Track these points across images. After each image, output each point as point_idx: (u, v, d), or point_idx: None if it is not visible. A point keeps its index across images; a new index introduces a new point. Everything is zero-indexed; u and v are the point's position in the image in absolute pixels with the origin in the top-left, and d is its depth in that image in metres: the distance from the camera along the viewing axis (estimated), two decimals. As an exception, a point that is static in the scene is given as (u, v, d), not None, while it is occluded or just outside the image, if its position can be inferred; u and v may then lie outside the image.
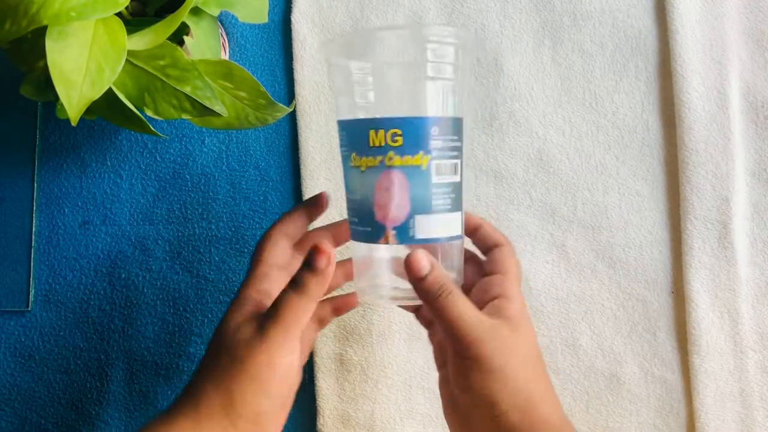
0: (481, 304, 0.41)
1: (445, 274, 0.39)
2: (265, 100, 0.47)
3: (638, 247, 0.57)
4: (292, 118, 0.59)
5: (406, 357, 0.56)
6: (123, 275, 0.58)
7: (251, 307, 0.42)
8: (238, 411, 0.39)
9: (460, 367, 0.40)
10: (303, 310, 0.40)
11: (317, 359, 0.56)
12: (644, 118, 0.59)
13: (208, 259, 0.57)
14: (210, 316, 0.57)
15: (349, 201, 0.43)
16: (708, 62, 0.58)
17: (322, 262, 0.39)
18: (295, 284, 0.40)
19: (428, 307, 0.39)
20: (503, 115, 0.58)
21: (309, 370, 0.56)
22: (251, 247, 0.57)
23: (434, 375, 0.56)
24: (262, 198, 0.58)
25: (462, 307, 0.39)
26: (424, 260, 0.39)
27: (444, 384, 0.44)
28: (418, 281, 0.39)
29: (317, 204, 0.47)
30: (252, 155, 0.59)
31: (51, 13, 0.37)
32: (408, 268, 0.39)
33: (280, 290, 0.41)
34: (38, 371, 0.57)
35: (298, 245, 0.46)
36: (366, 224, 0.41)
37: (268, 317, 0.40)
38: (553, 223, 0.57)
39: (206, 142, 0.59)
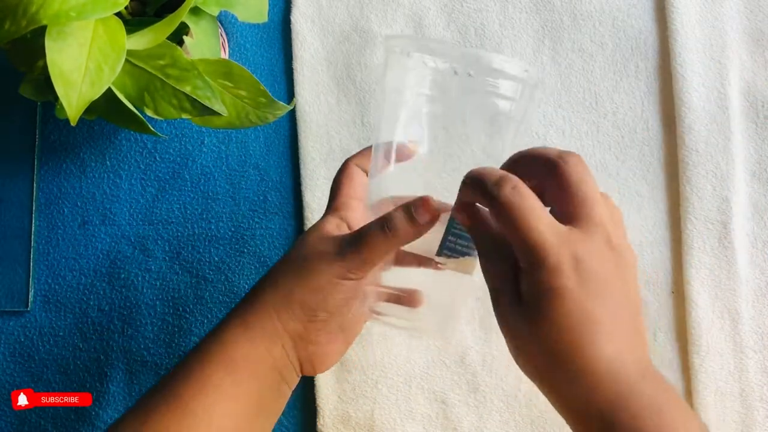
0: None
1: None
2: (266, 99, 0.47)
3: (638, 247, 0.57)
4: (292, 118, 0.59)
5: (406, 357, 0.56)
6: (122, 275, 0.57)
7: (331, 229, 0.42)
8: (294, 313, 0.40)
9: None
10: (385, 251, 0.39)
11: (317, 359, 0.56)
12: (644, 117, 0.59)
13: (207, 260, 0.57)
14: (209, 316, 0.57)
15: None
16: (708, 62, 0.58)
17: (425, 216, 0.38)
18: (387, 224, 0.39)
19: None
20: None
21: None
22: (251, 247, 0.57)
23: (434, 375, 0.56)
24: (261, 198, 0.58)
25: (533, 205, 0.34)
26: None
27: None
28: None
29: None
30: (252, 155, 0.59)
31: (50, 12, 0.37)
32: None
33: (356, 218, 0.42)
34: (38, 371, 0.56)
35: None
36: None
37: (350, 244, 0.40)
38: (553, 223, 0.57)
39: (206, 142, 0.59)
